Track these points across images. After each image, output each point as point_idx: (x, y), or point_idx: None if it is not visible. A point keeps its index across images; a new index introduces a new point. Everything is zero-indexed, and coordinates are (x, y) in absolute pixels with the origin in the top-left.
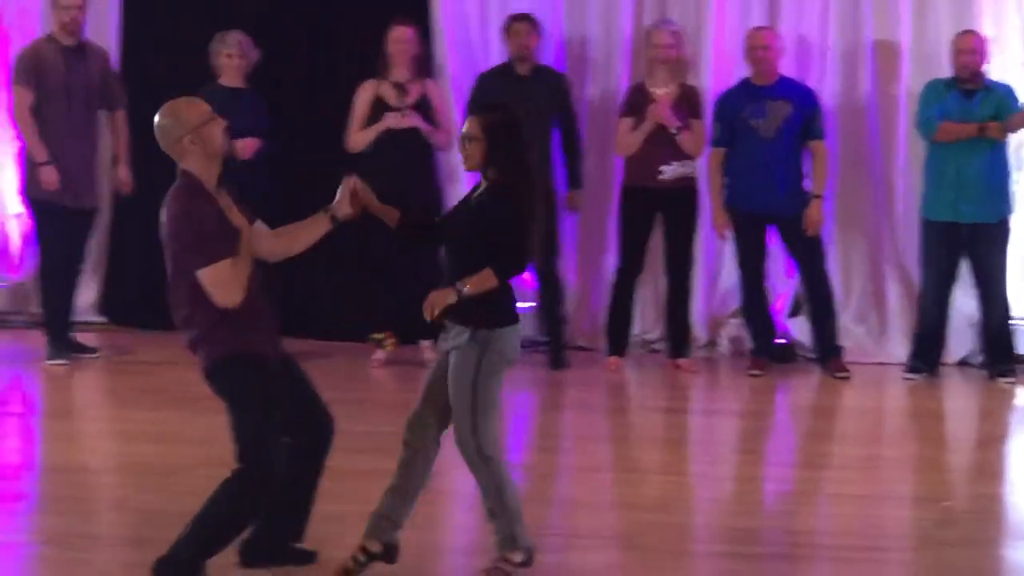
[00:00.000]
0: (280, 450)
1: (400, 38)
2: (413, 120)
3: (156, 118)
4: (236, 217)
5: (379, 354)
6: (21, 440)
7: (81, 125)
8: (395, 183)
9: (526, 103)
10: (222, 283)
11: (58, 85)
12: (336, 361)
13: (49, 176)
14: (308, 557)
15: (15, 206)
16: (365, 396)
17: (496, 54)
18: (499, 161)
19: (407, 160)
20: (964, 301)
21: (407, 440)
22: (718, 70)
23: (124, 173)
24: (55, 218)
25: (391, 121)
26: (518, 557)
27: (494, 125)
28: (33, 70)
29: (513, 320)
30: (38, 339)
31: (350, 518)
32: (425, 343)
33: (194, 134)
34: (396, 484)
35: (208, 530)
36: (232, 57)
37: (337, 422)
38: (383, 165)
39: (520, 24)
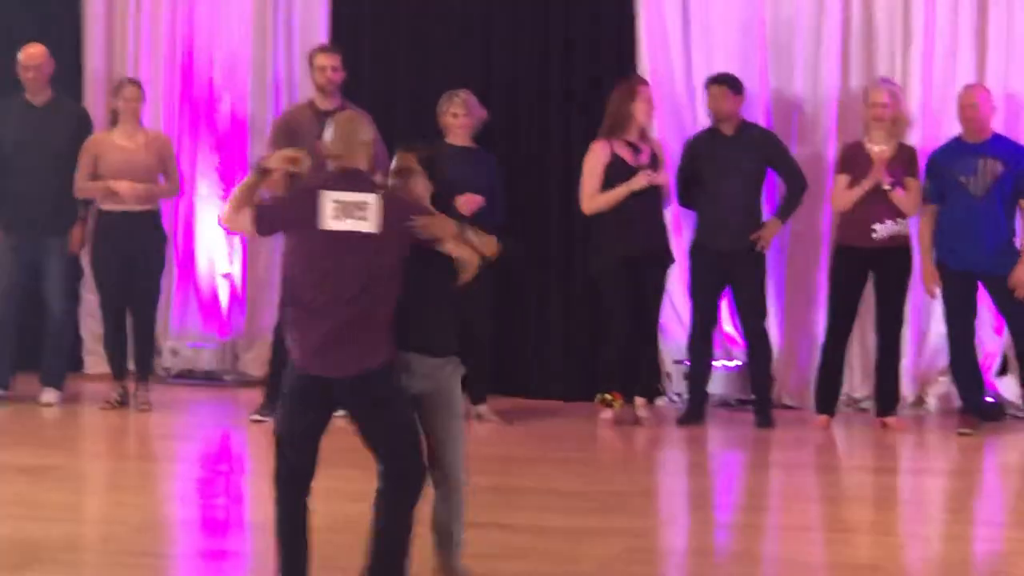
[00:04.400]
0: (289, 456)
1: (645, 97)
2: (660, 178)
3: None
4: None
5: (607, 413)
6: (229, 498)
7: None
8: (648, 241)
9: (732, 162)
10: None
11: (310, 149)
12: (567, 421)
13: None
14: None
15: (224, 267)
16: (590, 456)
17: (704, 112)
18: None
19: (653, 218)
20: None
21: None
22: (927, 127)
23: None
24: None
25: (643, 180)
26: None
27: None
28: (285, 135)
29: None
30: (246, 397)
31: None
32: (640, 400)
33: None
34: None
35: None
36: (458, 116)
37: (554, 480)
38: (635, 224)
39: (716, 87)
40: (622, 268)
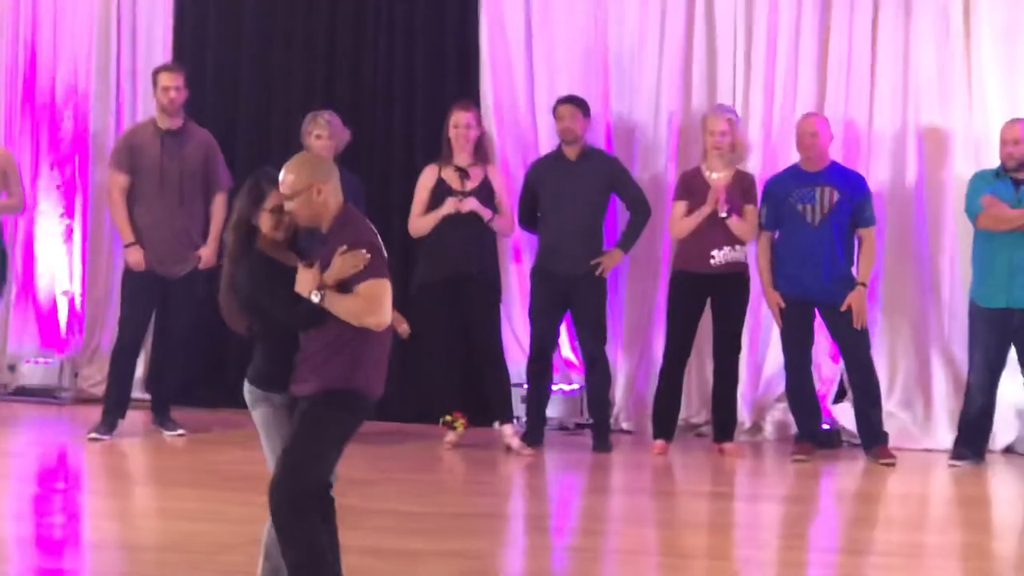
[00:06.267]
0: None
1: (461, 122)
2: (472, 204)
3: None
4: None
5: (450, 436)
6: (66, 516)
7: (175, 207)
8: (458, 266)
9: (576, 186)
10: None
11: (152, 167)
12: (409, 443)
13: (134, 257)
14: None
15: (64, 284)
16: (430, 478)
17: (547, 137)
18: None
19: (469, 243)
20: (1010, 388)
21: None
22: (767, 154)
23: (205, 251)
24: (137, 286)
25: (450, 207)
26: None
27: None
28: (127, 154)
29: None
30: (83, 414)
31: None
32: (507, 429)
33: None
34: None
35: None
36: (321, 137)
37: (393, 502)
38: (446, 249)
39: (565, 107)
40: (440, 290)
